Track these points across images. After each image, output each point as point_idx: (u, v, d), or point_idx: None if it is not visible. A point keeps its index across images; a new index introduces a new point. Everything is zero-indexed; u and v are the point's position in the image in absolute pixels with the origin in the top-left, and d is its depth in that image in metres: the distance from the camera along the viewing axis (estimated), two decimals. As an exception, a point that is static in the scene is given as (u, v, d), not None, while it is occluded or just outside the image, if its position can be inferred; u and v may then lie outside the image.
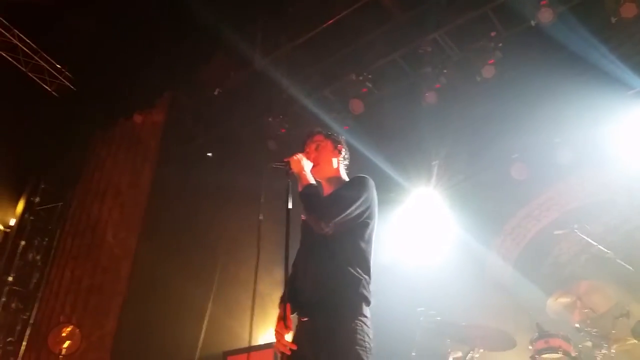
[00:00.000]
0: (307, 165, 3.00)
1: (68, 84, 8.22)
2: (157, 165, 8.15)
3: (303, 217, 2.97)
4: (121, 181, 7.88)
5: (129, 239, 7.58)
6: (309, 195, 2.84)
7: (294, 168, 2.96)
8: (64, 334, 6.10)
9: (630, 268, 4.94)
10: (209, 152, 8.18)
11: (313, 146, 3.20)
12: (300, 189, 2.89)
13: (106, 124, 8.16)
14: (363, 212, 2.88)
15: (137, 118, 8.15)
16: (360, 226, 2.89)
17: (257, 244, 2.90)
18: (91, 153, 8.17)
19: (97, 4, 7.47)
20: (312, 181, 2.92)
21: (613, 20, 5.57)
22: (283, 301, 2.78)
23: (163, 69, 7.69)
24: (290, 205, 2.84)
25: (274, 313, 2.92)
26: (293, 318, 2.81)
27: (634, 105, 5.92)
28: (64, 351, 6.00)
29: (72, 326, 6.24)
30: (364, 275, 2.80)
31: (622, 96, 5.93)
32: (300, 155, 3.03)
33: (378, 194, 3.03)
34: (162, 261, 7.38)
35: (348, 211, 2.80)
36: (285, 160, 3.00)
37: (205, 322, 7.36)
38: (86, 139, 8.27)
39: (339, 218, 2.77)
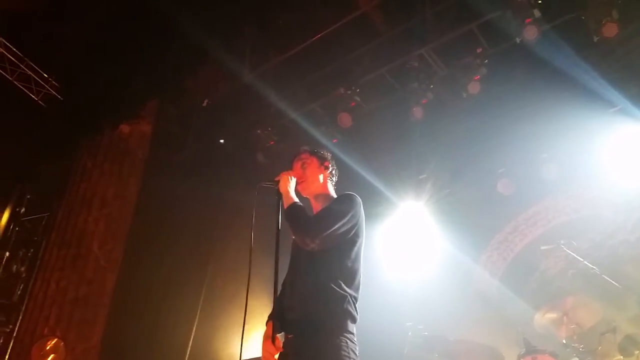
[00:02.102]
0: (292, 184, 3.05)
1: (55, 93, 8.13)
2: (144, 176, 8.06)
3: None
4: (108, 192, 7.78)
5: (115, 250, 7.48)
6: (292, 214, 2.88)
7: (280, 187, 3.01)
8: (48, 347, 6.04)
9: (616, 284, 4.98)
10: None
11: (299, 164, 3.24)
12: (285, 207, 2.93)
13: (93, 134, 8.09)
14: (350, 229, 2.90)
15: (125, 128, 8.11)
16: (347, 243, 2.91)
17: (248, 269, 2.91)
18: (77, 163, 8.07)
19: (84, 14, 7.45)
20: (296, 199, 2.97)
21: (595, 39, 5.65)
22: (270, 319, 2.78)
23: (151, 78, 7.68)
24: (280, 223, 2.88)
25: (261, 327, 2.93)
26: (281, 337, 2.81)
27: (616, 123, 6.01)
28: (48, 365, 5.94)
29: (56, 339, 6.17)
30: (350, 292, 2.81)
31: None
32: (287, 175, 3.07)
33: (366, 208, 3.07)
34: (149, 273, 7.32)
35: (335, 227, 2.82)
36: (276, 179, 3.06)
37: (192, 335, 7.29)
38: (73, 149, 8.18)
39: (325, 234, 2.79)
